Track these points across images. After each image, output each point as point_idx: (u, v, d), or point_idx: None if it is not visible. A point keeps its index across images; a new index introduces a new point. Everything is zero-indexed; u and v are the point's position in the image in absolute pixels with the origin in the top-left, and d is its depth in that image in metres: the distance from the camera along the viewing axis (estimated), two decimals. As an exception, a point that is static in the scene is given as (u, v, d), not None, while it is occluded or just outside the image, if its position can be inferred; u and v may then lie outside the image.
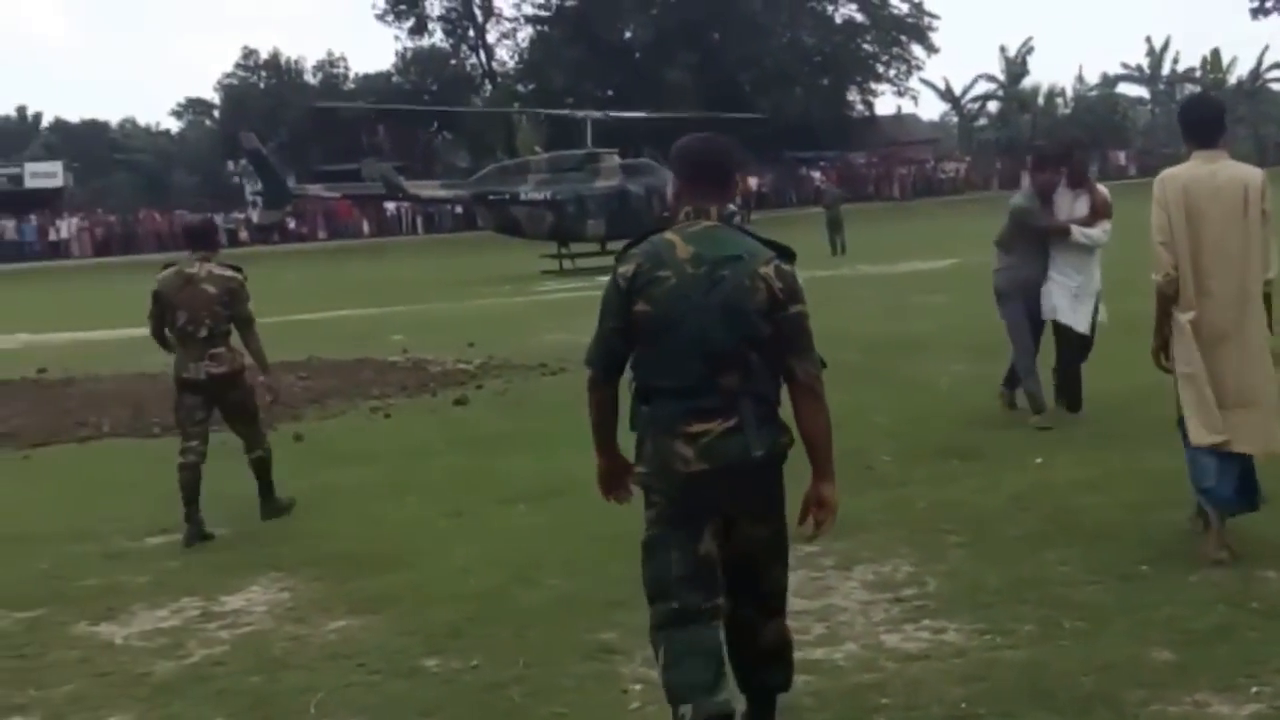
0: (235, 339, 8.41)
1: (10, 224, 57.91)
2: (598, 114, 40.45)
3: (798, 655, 4.66)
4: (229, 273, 8.37)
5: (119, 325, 22.83)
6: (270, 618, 6.39)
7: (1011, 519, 7.09)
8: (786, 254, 4.27)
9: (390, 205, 54.28)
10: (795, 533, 4.40)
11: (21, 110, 78.82)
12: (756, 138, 63.48)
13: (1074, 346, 9.64)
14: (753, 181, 60.82)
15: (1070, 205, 9.59)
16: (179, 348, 8.34)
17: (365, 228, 58.62)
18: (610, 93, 63.34)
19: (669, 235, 4.31)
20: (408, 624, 6.07)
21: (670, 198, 4.53)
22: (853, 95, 72.67)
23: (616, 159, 36.37)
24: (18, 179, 62.26)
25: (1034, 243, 9.52)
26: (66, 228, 58.31)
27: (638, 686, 5.11)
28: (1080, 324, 9.52)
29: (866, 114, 73.22)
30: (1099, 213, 9.49)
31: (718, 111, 53.81)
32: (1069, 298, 9.48)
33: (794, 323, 4.20)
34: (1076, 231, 9.38)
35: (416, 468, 9.78)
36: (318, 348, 17.06)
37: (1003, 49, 76.51)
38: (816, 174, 62.24)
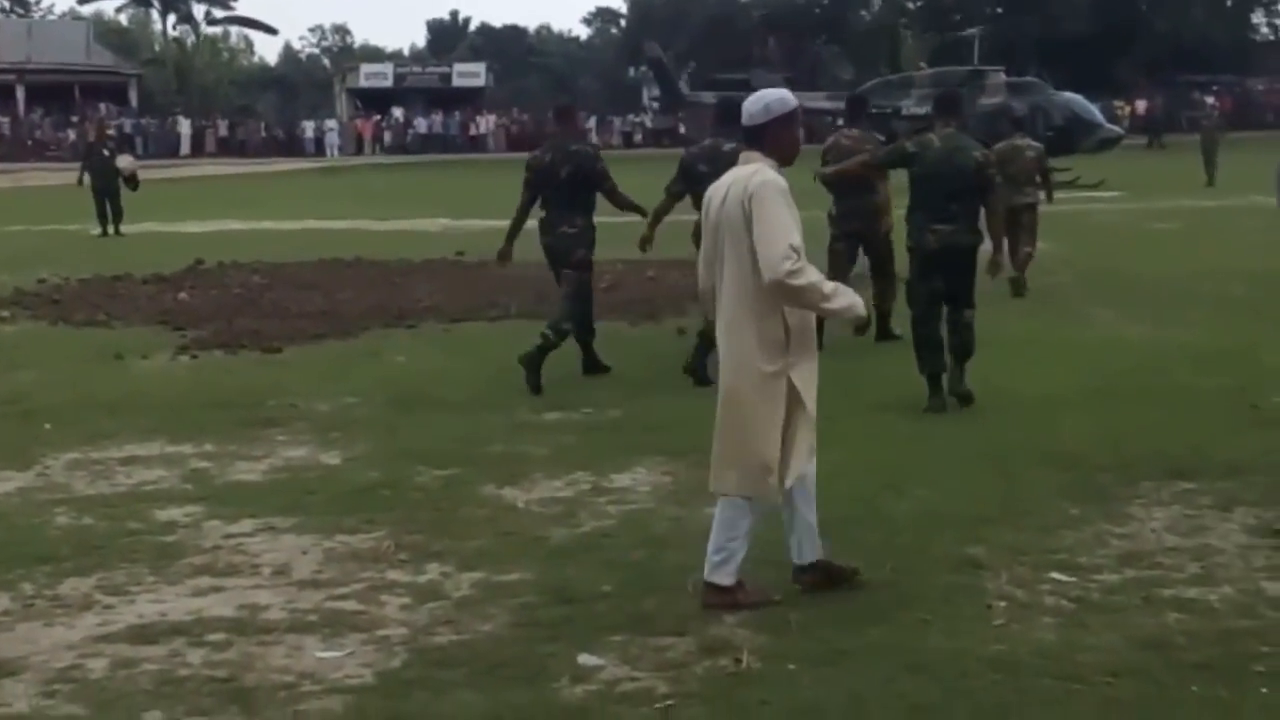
0: None
1: (438, 118, 61.15)
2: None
3: (1168, 592, 4.77)
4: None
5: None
6: (654, 498, 6.58)
7: None
8: (985, 146, 8.80)
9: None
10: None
11: (454, 14, 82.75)
12: (1149, 60, 59.84)
13: None
14: (1140, 105, 57.44)
15: None
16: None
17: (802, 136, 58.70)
18: (999, 10, 60.79)
19: (930, 135, 8.44)
20: (780, 516, 6.12)
21: (933, 117, 8.80)
22: (1258, 17, 66.77)
23: (1002, 77, 35.06)
24: (447, 78, 65.53)
25: None
26: (485, 124, 61.08)
27: (1002, 603, 5.02)
28: None
29: (1271, 38, 67.26)
30: None
31: (1112, 31, 50.97)
32: None
33: (989, 178, 8.32)
34: None
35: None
36: (704, 248, 17.27)
37: None
38: (1211, 99, 58.01)
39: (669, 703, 4.22)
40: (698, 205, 9.55)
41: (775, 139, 5.02)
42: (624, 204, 9.75)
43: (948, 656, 4.51)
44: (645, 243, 9.89)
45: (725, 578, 4.98)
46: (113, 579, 5.48)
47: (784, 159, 5.06)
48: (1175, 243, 18.10)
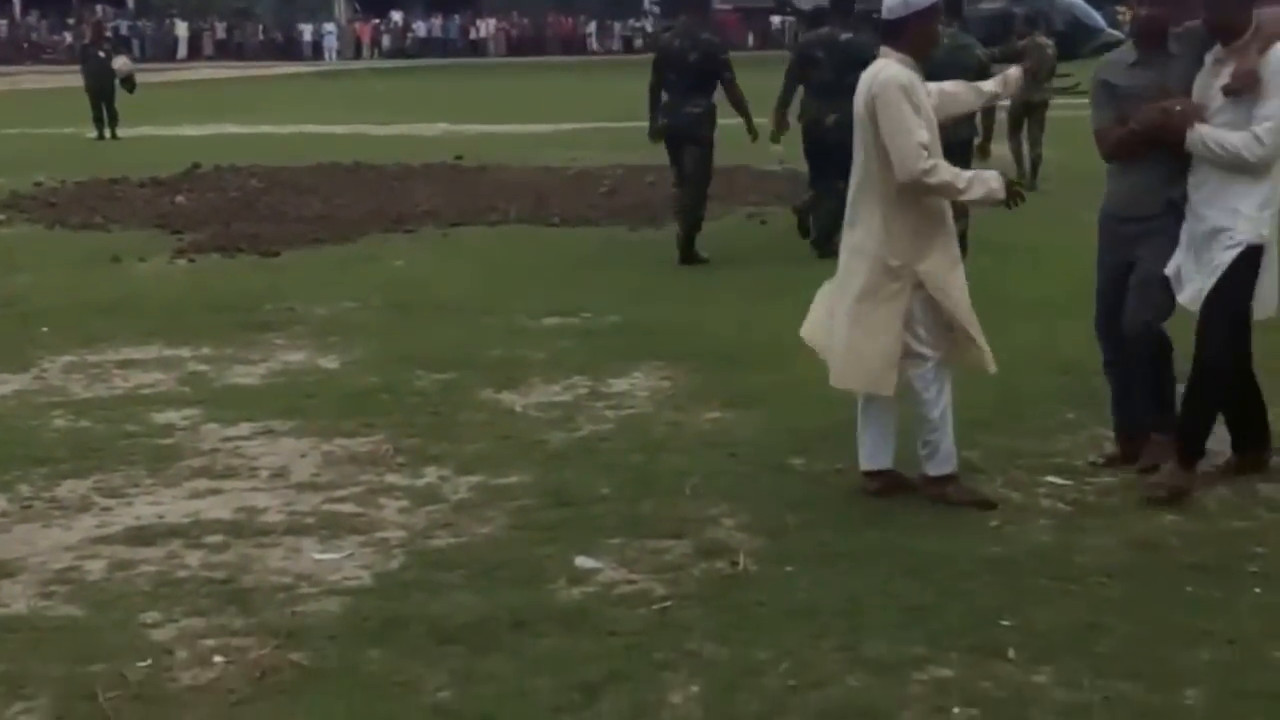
0: None
1: (438, 21, 60.34)
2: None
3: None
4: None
5: (526, 121, 23.57)
6: (651, 403, 6.54)
7: None
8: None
9: (775, 19, 53.45)
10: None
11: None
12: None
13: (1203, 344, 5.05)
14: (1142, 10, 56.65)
15: (1213, 78, 5.01)
16: None
17: (750, 40, 58.12)
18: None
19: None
20: (778, 422, 6.10)
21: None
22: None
23: (1010, -20, 34.50)
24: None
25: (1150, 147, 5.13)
26: (485, 28, 60.29)
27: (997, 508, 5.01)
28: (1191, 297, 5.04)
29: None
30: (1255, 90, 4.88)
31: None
32: (1190, 252, 5.04)
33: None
34: (1202, 136, 4.90)
35: (790, 274, 9.72)
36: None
37: None
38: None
39: (666, 604, 4.21)
40: (809, 89, 10.38)
41: (914, 34, 4.97)
42: (738, 100, 10.24)
43: (944, 559, 4.49)
44: (777, 134, 10.73)
45: (934, 469, 5.01)
46: (110, 481, 5.45)
47: (919, 53, 5.03)
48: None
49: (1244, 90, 4.85)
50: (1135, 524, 4.79)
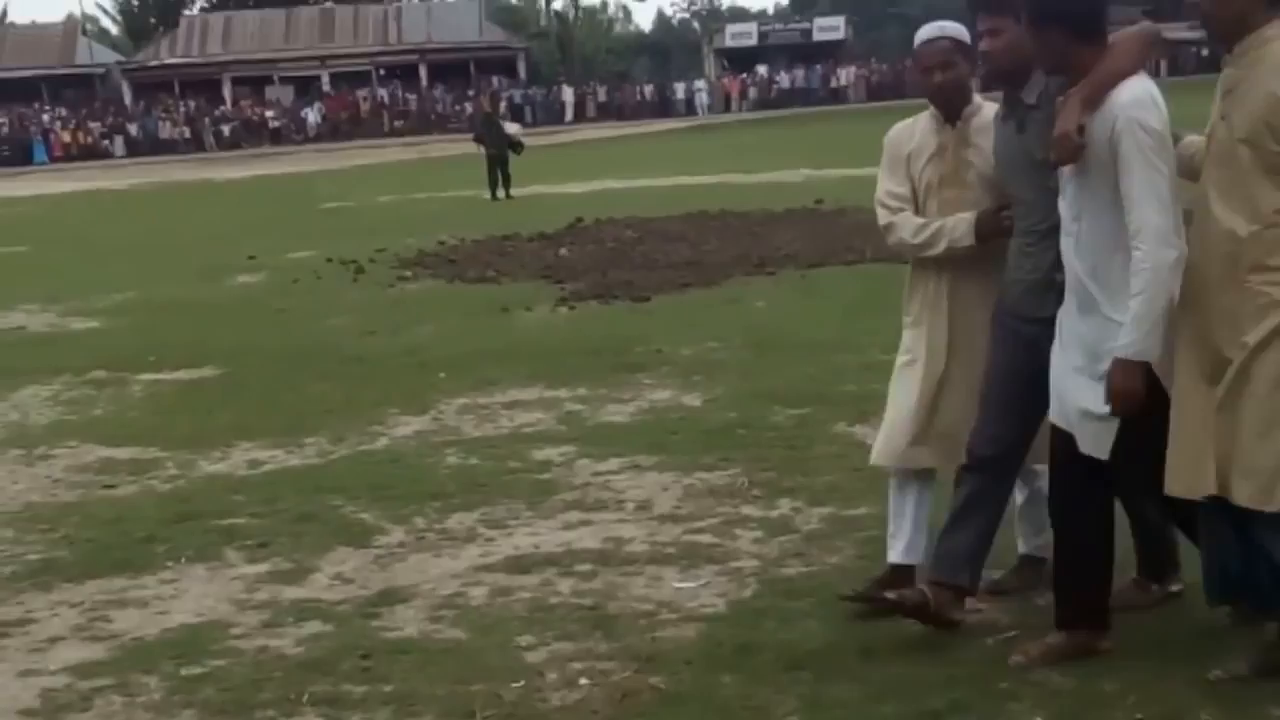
0: None
1: (800, 73, 60.84)
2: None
3: None
4: None
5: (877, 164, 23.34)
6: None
7: None
8: None
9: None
10: None
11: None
12: None
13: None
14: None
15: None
16: None
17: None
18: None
19: None
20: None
21: None
22: None
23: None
24: (808, 33, 65.07)
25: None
26: (845, 75, 60.29)
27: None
28: (1087, 440, 3.79)
29: None
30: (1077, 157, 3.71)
31: None
32: (1072, 369, 3.84)
33: None
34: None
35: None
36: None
37: None
38: None
39: (1011, 634, 4.09)
40: None
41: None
42: None
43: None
44: None
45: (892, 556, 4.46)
46: (494, 514, 5.75)
47: (931, 98, 4.43)
48: None
49: (1065, 161, 3.68)
50: None
